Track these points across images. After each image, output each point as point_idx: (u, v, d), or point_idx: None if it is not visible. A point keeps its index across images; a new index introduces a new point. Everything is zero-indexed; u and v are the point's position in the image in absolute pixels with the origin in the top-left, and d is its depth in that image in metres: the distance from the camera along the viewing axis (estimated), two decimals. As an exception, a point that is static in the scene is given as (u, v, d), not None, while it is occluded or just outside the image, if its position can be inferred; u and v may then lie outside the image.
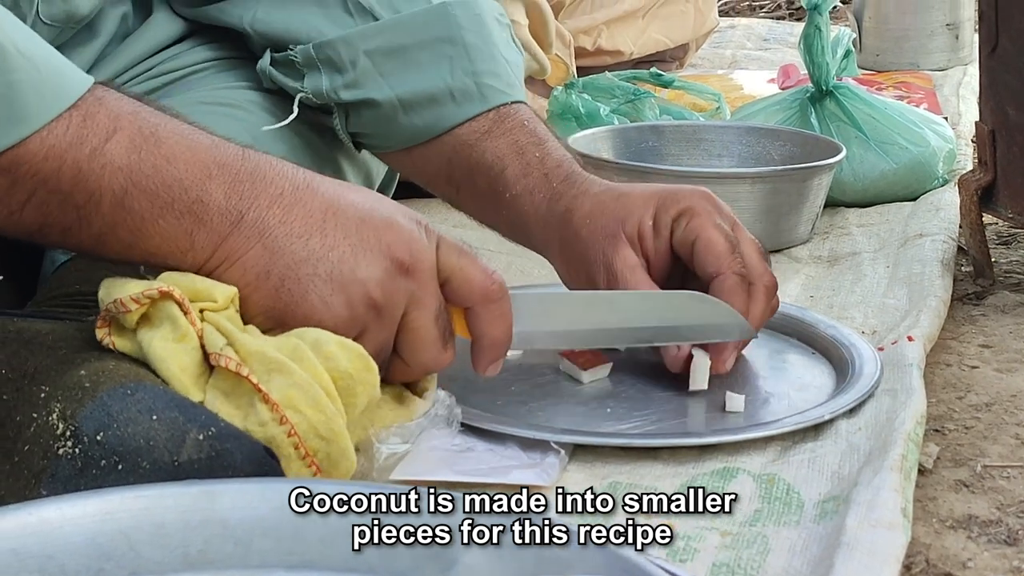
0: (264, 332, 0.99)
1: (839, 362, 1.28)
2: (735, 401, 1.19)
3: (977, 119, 1.64)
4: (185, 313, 0.96)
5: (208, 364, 0.96)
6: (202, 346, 0.96)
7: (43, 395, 0.92)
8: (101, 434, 0.89)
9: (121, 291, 0.96)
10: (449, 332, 1.06)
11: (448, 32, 1.36)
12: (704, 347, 1.22)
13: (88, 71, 1.30)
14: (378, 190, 1.54)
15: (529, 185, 1.30)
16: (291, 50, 1.37)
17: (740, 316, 1.20)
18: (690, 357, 1.21)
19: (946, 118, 2.24)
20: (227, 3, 1.41)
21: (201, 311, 0.97)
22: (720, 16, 2.99)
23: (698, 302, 1.20)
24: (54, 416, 0.90)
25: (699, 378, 1.21)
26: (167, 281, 0.97)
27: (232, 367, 0.95)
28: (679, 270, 1.26)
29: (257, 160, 1.01)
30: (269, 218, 0.99)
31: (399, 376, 1.05)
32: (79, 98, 0.96)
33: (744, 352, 1.28)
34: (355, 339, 1.00)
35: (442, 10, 1.37)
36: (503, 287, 1.08)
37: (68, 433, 0.90)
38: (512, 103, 1.35)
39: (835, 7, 1.95)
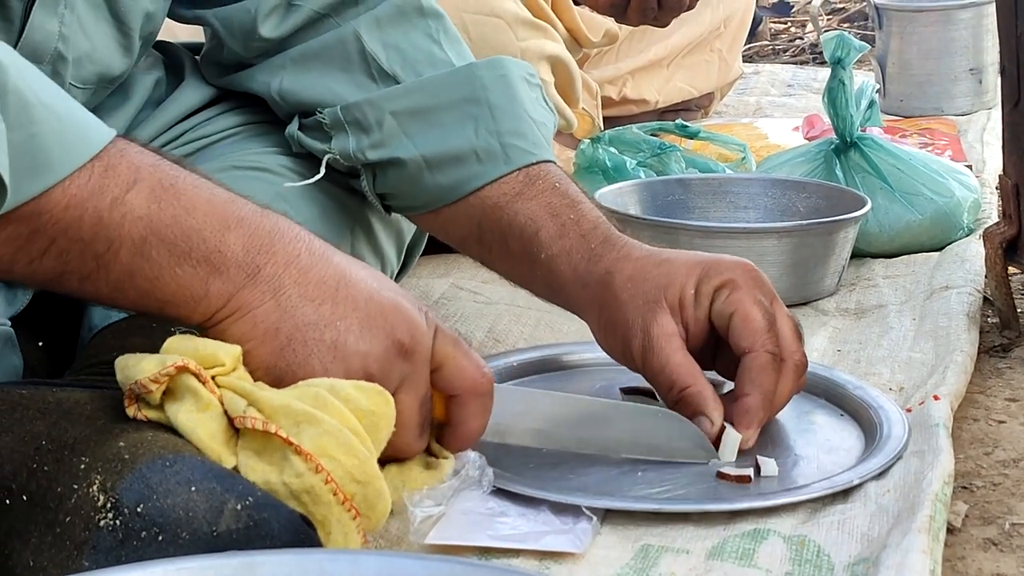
0: None
1: (867, 424, 1.28)
2: (767, 465, 1.20)
3: (1001, 172, 1.65)
4: (203, 382, 0.97)
5: (234, 428, 0.98)
6: (225, 411, 0.98)
7: (83, 466, 0.93)
8: (141, 506, 0.91)
9: (137, 371, 0.98)
10: (427, 422, 1.07)
11: (473, 93, 1.37)
12: (732, 421, 1.22)
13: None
14: (408, 247, 1.56)
15: (566, 246, 1.31)
16: (319, 113, 1.39)
17: (708, 441, 1.20)
18: (721, 430, 1.21)
19: (970, 166, 2.25)
20: (255, 70, 1.43)
21: (213, 377, 0.98)
22: (744, 62, 3.00)
23: (668, 421, 1.21)
24: (94, 488, 0.92)
25: (728, 452, 1.21)
26: (172, 350, 0.98)
27: (259, 426, 0.96)
28: (713, 340, 1.26)
29: (276, 219, 1.03)
30: (285, 277, 1.01)
31: None
32: (101, 149, 0.97)
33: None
34: None
35: (468, 71, 1.39)
36: (492, 383, 1.10)
37: (109, 505, 0.91)
38: (539, 163, 1.36)
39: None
